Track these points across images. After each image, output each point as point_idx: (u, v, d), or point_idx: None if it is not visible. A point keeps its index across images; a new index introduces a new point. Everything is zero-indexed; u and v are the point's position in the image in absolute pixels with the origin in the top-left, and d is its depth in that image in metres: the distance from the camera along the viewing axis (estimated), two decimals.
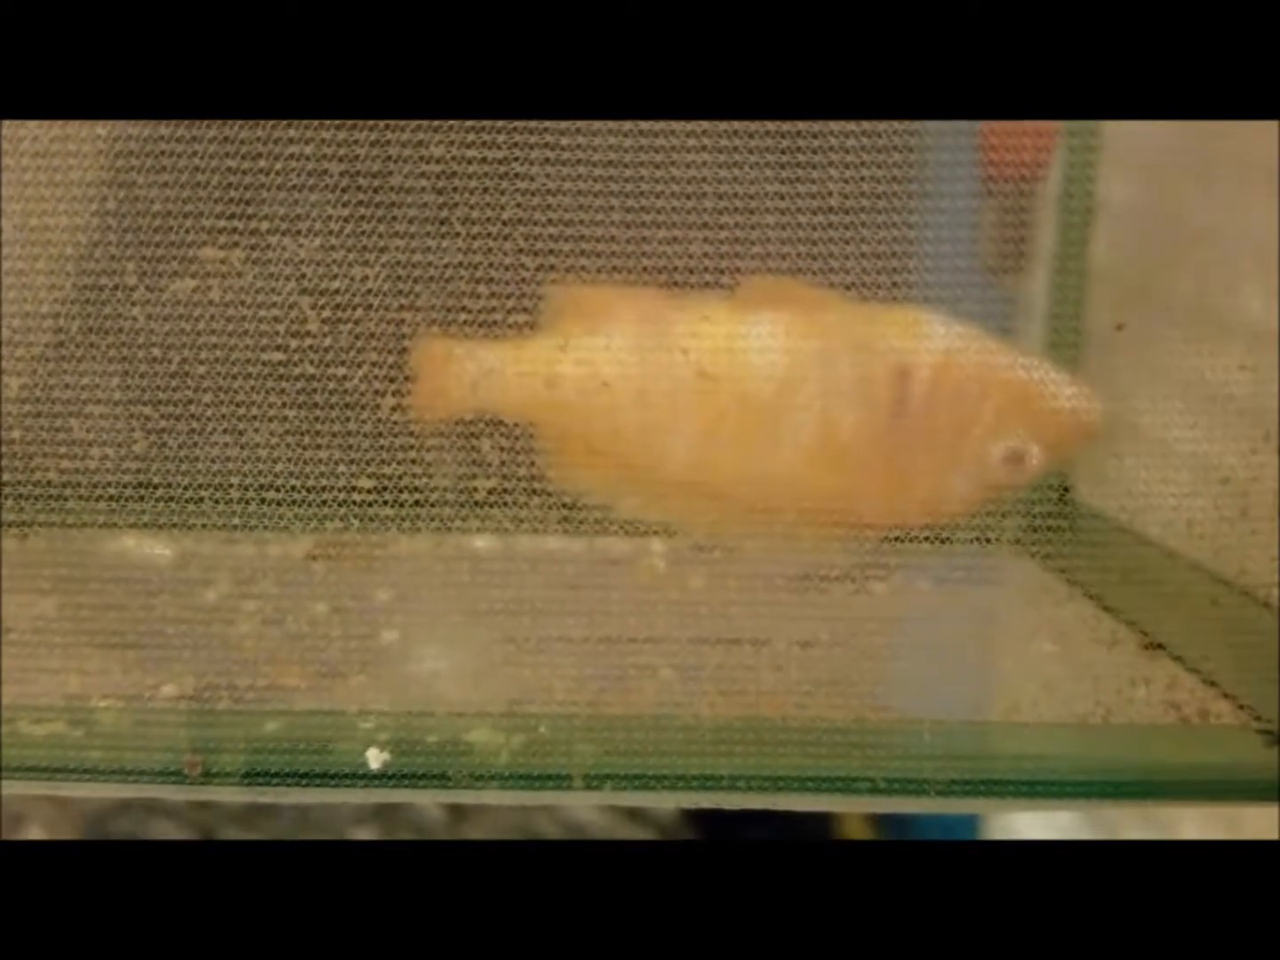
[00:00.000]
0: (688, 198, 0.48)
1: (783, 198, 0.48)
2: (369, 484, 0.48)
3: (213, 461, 0.48)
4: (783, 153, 0.48)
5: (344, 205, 0.47)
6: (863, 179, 0.48)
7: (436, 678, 0.54)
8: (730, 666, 0.54)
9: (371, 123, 0.45)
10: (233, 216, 0.47)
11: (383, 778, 0.49)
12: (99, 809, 0.88)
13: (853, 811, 0.51)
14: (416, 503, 0.47)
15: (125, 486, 0.48)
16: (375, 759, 0.49)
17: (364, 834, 0.88)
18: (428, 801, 0.52)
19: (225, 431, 0.48)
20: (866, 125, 0.47)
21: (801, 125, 0.47)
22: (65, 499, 0.49)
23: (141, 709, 0.51)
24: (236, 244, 0.47)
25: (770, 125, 0.47)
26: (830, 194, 0.48)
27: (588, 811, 0.90)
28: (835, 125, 0.47)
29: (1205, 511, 0.52)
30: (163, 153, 0.47)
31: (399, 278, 0.47)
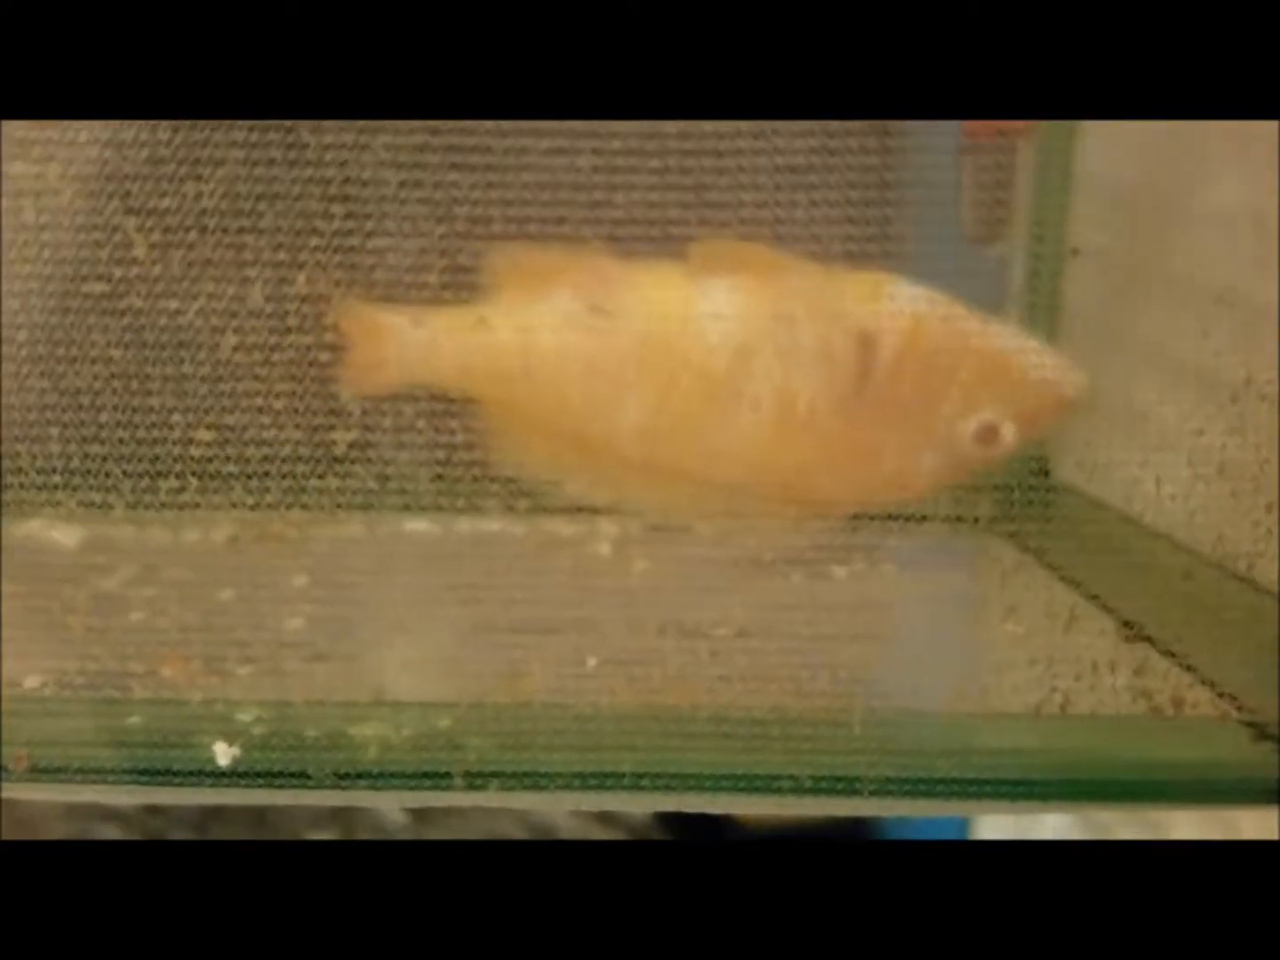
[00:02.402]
0: (633, 153, 0.46)
1: (739, 153, 0.47)
2: (208, 436, 0.42)
3: (29, 410, 0.41)
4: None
5: None
6: (829, 133, 0.46)
7: (330, 668, 0.50)
8: (654, 655, 0.51)
9: None
10: (47, 127, 0.40)
11: (233, 775, 0.43)
12: (42, 813, 0.84)
13: (772, 814, 0.46)
14: (264, 458, 0.41)
15: None
16: (224, 754, 0.43)
17: (323, 838, 0.84)
18: (294, 802, 0.46)
19: (42, 375, 0.41)
20: None
21: None
22: None
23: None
24: (52, 158, 0.40)
25: None
26: (792, 149, 0.47)
27: (559, 815, 0.87)
28: None
29: (1176, 468, 0.49)
30: None
31: (237, 195, 0.40)
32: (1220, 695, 0.49)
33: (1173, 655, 0.52)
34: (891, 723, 0.45)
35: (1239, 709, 0.48)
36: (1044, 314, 0.60)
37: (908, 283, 0.48)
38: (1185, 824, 0.75)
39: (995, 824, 0.85)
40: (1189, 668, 0.51)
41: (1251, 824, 0.66)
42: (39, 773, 0.44)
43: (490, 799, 0.44)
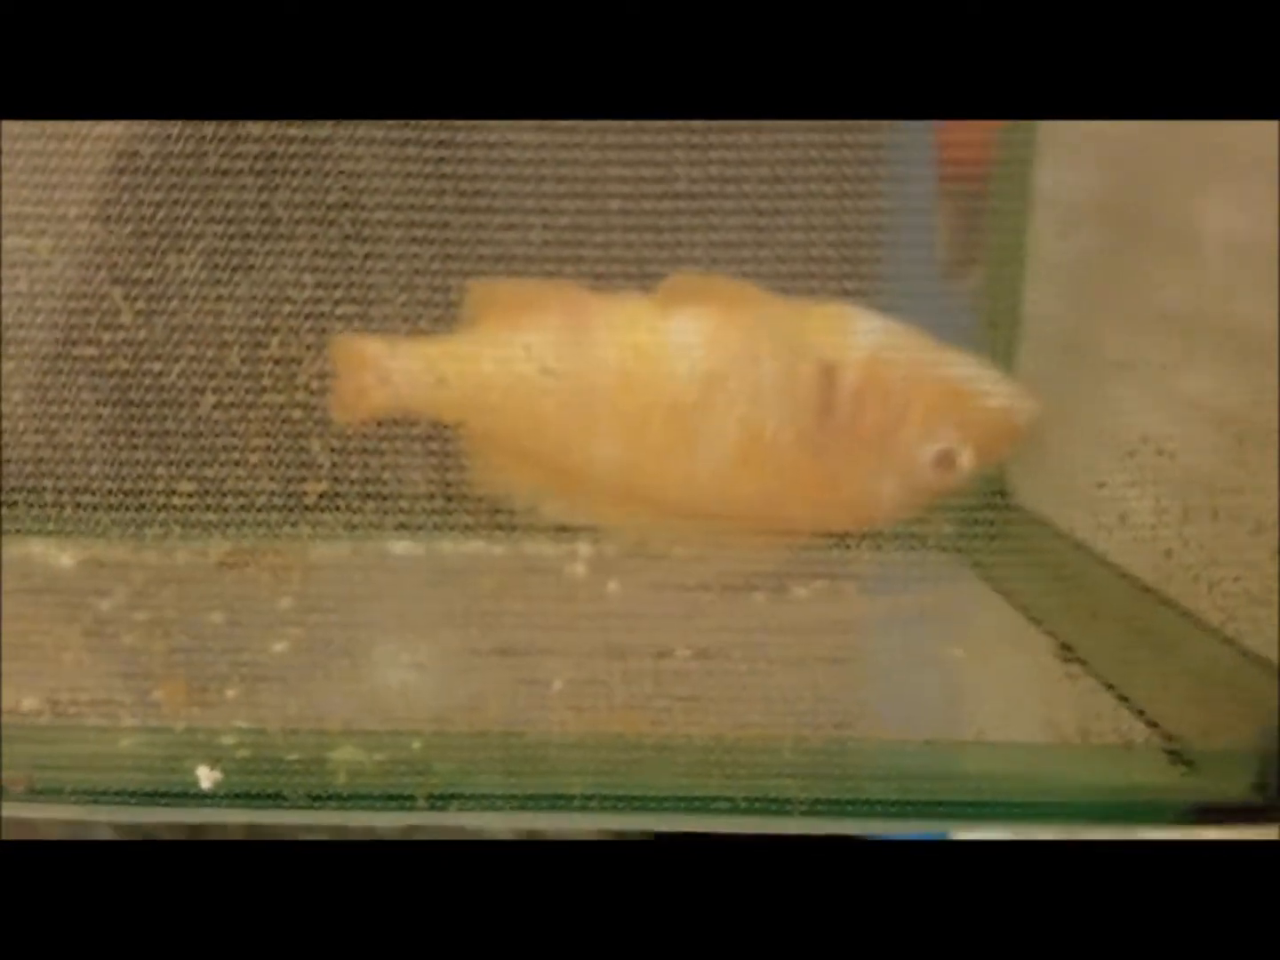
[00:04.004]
0: (608, 181, 0.47)
1: (710, 193, 0.49)
2: (189, 488, 0.45)
3: (25, 463, 0.45)
4: (709, 148, 0.48)
5: (156, 189, 0.44)
6: (794, 177, 0.48)
7: (311, 691, 0.53)
8: (616, 677, 0.53)
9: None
10: (39, 203, 0.44)
11: (215, 798, 0.46)
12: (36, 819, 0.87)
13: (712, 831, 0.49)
14: (241, 507, 0.44)
15: None
16: (206, 778, 0.47)
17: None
18: (272, 821, 0.49)
19: (37, 431, 0.45)
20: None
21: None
22: None
23: None
24: (44, 231, 0.44)
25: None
26: (761, 190, 0.48)
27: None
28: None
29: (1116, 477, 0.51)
30: None
31: (216, 266, 0.44)
32: (1139, 715, 0.52)
33: (1103, 680, 0.54)
34: (819, 749, 0.48)
35: (1154, 729, 0.51)
36: (1002, 339, 0.61)
37: (869, 314, 0.49)
38: None
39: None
40: (1111, 687, 0.53)
41: None
42: (37, 794, 0.48)
43: (450, 819, 0.48)
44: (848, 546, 0.55)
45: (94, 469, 0.47)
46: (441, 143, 0.46)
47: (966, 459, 0.50)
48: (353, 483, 0.47)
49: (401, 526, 0.50)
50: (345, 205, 0.45)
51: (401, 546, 0.61)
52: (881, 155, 0.50)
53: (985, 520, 0.55)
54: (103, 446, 0.47)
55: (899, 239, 0.53)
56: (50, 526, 0.47)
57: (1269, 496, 0.48)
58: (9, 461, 0.47)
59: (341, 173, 0.45)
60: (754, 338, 0.49)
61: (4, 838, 0.82)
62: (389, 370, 0.48)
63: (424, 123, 0.45)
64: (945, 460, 0.49)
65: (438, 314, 0.49)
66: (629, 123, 0.46)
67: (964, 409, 0.49)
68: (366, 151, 0.45)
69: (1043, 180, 0.60)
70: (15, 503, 0.47)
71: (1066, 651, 0.58)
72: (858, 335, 0.49)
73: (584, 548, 0.63)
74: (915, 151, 0.54)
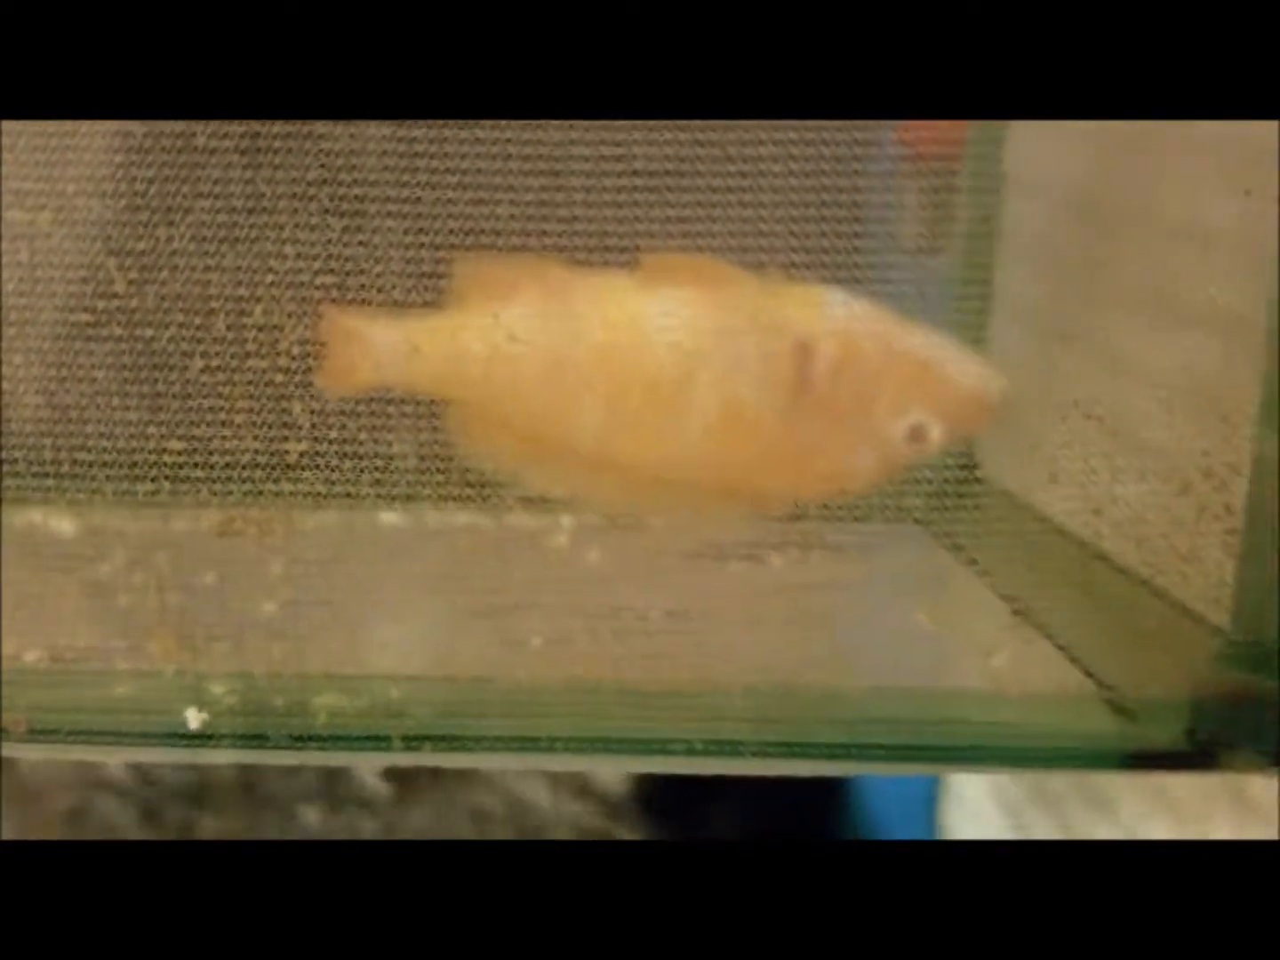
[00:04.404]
0: (590, 170, 0.50)
1: (690, 171, 0.51)
2: (179, 446, 0.49)
3: (25, 423, 0.48)
4: (667, 129, 0.50)
5: (148, 167, 0.47)
6: (755, 156, 0.50)
7: (298, 646, 0.55)
8: (587, 635, 0.57)
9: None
10: (39, 179, 0.47)
11: (201, 737, 0.49)
12: (45, 784, 0.89)
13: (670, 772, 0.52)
14: (227, 465, 0.48)
15: None
16: (194, 719, 0.50)
17: (310, 811, 0.89)
18: (256, 761, 0.52)
19: (36, 393, 0.48)
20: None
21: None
22: None
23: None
24: (44, 206, 0.47)
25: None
26: (738, 170, 0.50)
27: (533, 789, 0.92)
28: None
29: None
30: None
31: (204, 239, 0.47)
32: (1075, 663, 0.55)
33: (1049, 634, 0.57)
34: (767, 694, 0.51)
35: (1094, 680, 0.54)
36: (973, 319, 0.63)
37: (843, 294, 0.51)
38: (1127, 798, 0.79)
39: (967, 826, 0.89)
40: (1050, 636, 0.57)
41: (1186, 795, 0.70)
42: (36, 734, 0.51)
43: (424, 758, 0.51)
44: (819, 517, 0.59)
45: (89, 428, 0.50)
46: (414, 123, 0.49)
47: (938, 433, 0.51)
48: (331, 442, 0.50)
49: (383, 498, 0.53)
50: (324, 182, 0.49)
51: (388, 517, 0.63)
52: (847, 134, 0.52)
53: (953, 493, 0.57)
54: (98, 407, 0.50)
55: (869, 217, 0.54)
56: (49, 483, 0.50)
57: (1195, 458, 0.51)
58: (9, 421, 0.50)
59: (320, 151, 0.48)
60: (732, 314, 0.50)
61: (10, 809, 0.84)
62: (374, 344, 0.50)
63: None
64: (917, 434, 0.50)
65: (412, 285, 0.51)
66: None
67: (935, 385, 0.50)
68: (344, 132, 0.48)
69: (1014, 158, 0.61)
70: (15, 460, 0.50)
71: (1018, 604, 0.60)
72: (833, 313, 0.50)
73: (565, 519, 0.65)
74: (882, 129, 0.55)
